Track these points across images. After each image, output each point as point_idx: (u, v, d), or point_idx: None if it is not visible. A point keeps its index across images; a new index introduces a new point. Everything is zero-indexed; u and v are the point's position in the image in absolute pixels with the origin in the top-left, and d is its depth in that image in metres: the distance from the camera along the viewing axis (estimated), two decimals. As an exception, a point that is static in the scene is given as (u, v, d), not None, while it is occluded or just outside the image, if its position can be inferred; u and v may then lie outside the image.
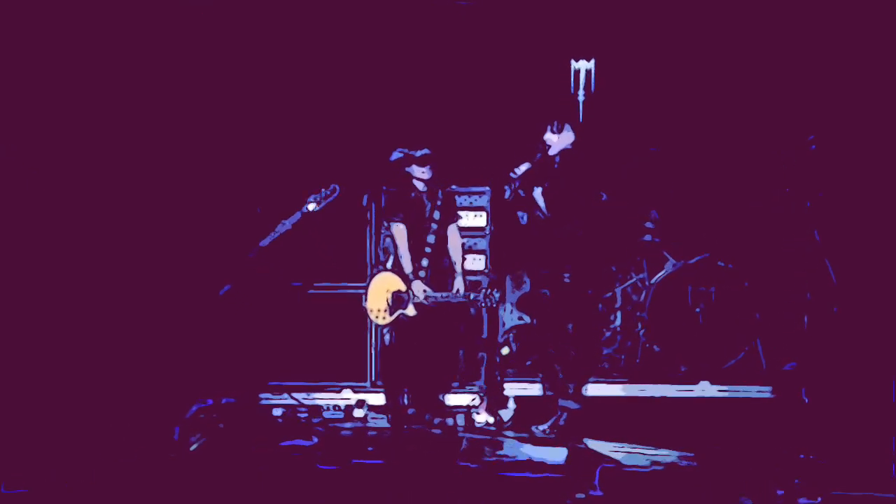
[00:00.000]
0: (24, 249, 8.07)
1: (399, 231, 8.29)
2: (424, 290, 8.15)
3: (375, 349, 9.03)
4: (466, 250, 8.87)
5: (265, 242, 8.26)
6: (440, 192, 8.37)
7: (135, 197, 8.62)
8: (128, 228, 8.56)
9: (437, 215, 8.31)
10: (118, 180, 8.54)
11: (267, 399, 8.67)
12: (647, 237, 9.66)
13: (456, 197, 8.67)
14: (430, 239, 8.30)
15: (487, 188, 9.19)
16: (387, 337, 8.42)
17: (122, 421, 7.56)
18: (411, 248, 8.25)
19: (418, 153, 8.26)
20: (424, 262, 8.28)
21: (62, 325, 8.08)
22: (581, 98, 9.68)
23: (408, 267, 8.23)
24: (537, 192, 8.02)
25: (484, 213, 9.21)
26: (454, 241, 8.40)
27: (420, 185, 8.39)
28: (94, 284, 8.29)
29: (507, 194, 7.97)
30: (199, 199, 8.91)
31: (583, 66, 9.69)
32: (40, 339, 7.96)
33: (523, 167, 7.95)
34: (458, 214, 8.50)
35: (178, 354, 8.42)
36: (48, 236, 8.19)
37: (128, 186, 8.58)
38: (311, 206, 8.23)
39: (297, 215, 8.23)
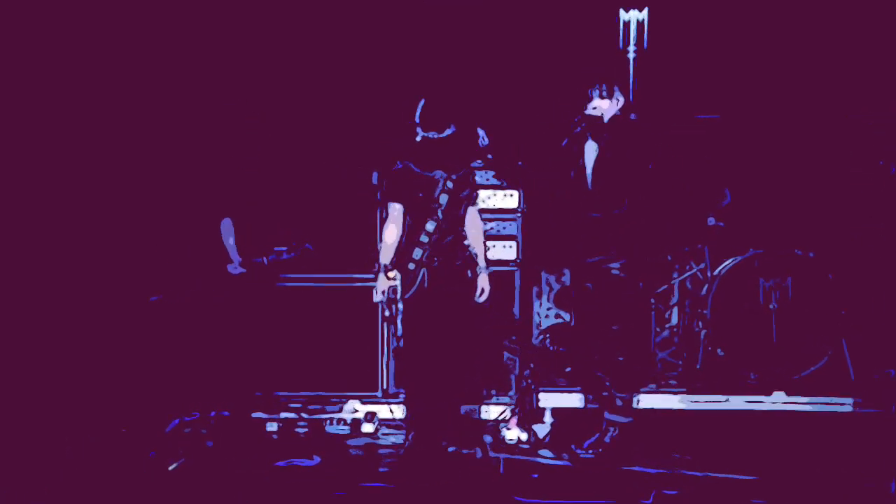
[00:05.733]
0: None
1: (393, 211, 7.52)
2: (383, 292, 7.46)
3: (388, 353, 8.58)
4: (493, 236, 8.40)
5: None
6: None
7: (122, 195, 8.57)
8: (114, 227, 8.50)
9: (443, 199, 7.44)
10: (100, 180, 8.52)
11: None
12: (711, 220, 9.12)
13: (482, 172, 8.16)
14: (430, 226, 7.44)
15: (519, 162, 8.67)
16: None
17: (97, 436, 7.50)
18: (410, 236, 7.46)
19: (445, 133, 7.50)
20: (417, 254, 7.42)
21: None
22: (631, 55, 9.31)
23: (385, 257, 7.45)
24: (590, 150, 7.41)
25: (515, 193, 8.69)
26: (474, 229, 7.57)
27: None
28: (70, 287, 8.25)
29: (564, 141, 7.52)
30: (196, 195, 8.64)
31: (633, 16, 9.34)
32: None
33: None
34: (475, 195, 7.68)
35: (158, 362, 8.16)
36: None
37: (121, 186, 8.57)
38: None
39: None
